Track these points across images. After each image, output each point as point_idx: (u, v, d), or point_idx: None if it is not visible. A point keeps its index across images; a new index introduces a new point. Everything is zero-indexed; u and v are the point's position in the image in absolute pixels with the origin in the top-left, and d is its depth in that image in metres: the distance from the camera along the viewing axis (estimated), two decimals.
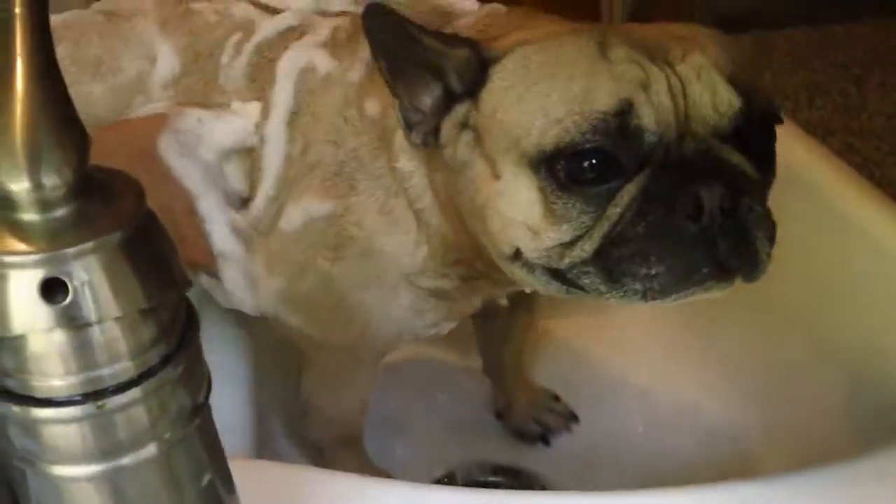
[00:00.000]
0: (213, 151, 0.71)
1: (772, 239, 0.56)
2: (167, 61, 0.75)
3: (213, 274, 0.74)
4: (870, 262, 0.83)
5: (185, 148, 0.70)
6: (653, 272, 0.53)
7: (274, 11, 0.77)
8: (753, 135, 0.56)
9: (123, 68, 0.76)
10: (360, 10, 0.75)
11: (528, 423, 1.02)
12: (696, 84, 0.54)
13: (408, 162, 0.66)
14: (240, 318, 0.91)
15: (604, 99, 0.53)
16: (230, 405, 0.83)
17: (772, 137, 0.58)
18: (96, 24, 0.78)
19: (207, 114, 0.71)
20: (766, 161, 0.58)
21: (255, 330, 0.92)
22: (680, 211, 0.52)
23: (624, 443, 1.00)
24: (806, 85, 1.52)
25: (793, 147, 0.96)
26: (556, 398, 1.03)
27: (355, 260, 0.70)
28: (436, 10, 0.71)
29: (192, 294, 0.98)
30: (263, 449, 0.86)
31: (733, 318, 0.99)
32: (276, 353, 0.88)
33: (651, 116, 0.53)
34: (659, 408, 1.02)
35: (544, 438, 1.01)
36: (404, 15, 0.57)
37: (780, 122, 0.58)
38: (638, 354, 1.08)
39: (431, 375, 1.08)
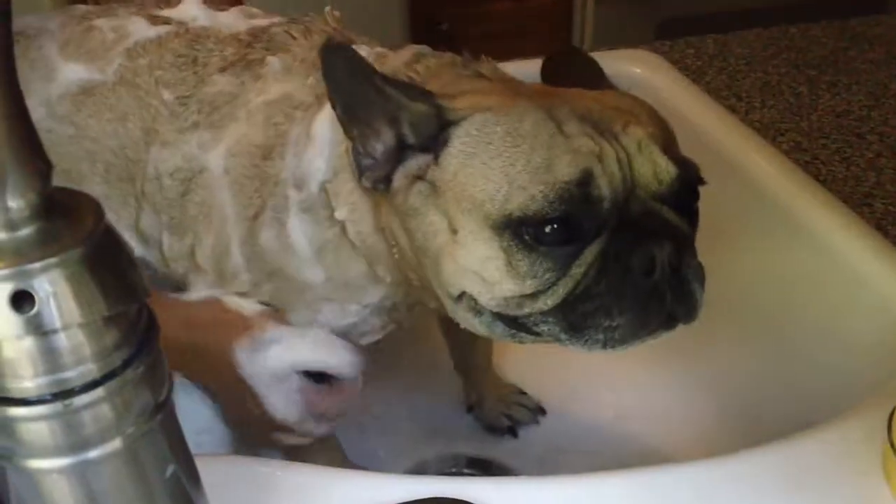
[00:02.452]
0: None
1: (703, 286, 0.61)
2: (67, 77, 0.76)
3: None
4: (814, 258, 0.87)
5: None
6: (615, 324, 0.58)
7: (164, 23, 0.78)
8: (684, 196, 0.61)
9: (30, 91, 0.76)
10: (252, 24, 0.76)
11: (498, 417, 1.05)
12: (638, 156, 0.59)
13: (350, 213, 0.67)
14: None
15: (566, 170, 0.57)
16: (208, 404, 0.86)
17: (697, 197, 0.63)
18: None
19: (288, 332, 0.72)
20: (693, 217, 0.63)
21: None
22: (637, 268, 0.57)
23: (591, 432, 1.03)
24: (760, 86, 1.56)
25: (744, 148, 1.00)
26: (522, 392, 1.07)
27: (287, 286, 0.72)
28: None
29: None
30: (241, 446, 0.89)
31: None
32: None
33: (607, 185, 0.58)
34: (624, 398, 1.06)
35: (512, 431, 1.05)
36: (365, 58, 0.59)
37: (704, 183, 0.63)
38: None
39: (404, 373, 1.11)
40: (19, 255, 0.34)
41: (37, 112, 0.76)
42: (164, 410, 0.41)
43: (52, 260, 0.34)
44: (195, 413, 0.83)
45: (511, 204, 0.57)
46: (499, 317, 0.61)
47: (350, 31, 0.77)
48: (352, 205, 0.67)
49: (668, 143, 0.61)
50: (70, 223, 0.36)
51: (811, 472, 0.63)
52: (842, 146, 1.41)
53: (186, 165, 0.73)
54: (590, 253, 0.58)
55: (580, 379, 1.09)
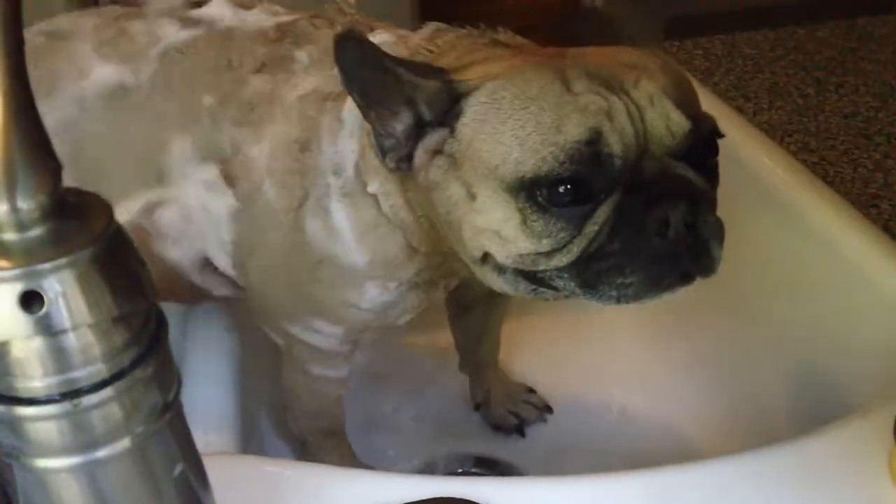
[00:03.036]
0: None
1: (721, 242, 0.61)
2: (102, 77, 0.77)
3: None
4: (821, 260, 0.87)
5: None
6: (628, 281, 0.59)
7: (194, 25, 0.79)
8: (700, 151, 0.61)
9: (63, 89, 0.77)
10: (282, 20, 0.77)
11: (505, 416, 1.05)
12: (651, 110, 0.59)
13: (380, 186, 0.69)
14: (226, 321, 0.95)
15: (575, 129, 0.58)
16: (217, 404, 0.85)
17: (715, 151, 0.63)
18: (37, 46, 0.80)
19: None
20: (712, 172, 0.63)
21: (241, 331, 0.96)
22: (650, 228, 0.58)
23: (598, 431, 1.04)
24: (767, 87, 1.56)
25: (751, 149, 1.00)
26: (531, 391, 1.08)
27: (333, 272, 0.74)
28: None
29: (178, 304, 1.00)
30: (250, 446, 0.89)
31: (701, 314, 1.03)
32: (262, 353, 0.91)
33: (618, 143, 0.58)
34: (631, 398, 1.06)
35: (520, 429, 1.05)
36: (375, 44, 0.60)
37: (721, 136, 0.63)
38: (610, 348, 1.12)
39: (412, 374, 1.12)
40: (29, 255, 0.34)
41: (69, 110, 0.77)
42: (172, 410, 0.41)
43: (62, 260, 0.35)
44: (204, 413, 0.83)
45: (524, 166, 0.58)
46: (519, 273, 0.63)
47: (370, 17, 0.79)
48: (382, 178, 0.68)
49: (682, 98, 0.61)
50: (80, 224, 0.36)
51: (818, 473, 0.63)
52: (849, 147, 1.41)
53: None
54: (603, 212, 0.58)
55: (588, 378, 1.09)
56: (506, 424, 1.06)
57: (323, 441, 0.92)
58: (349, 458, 0.94)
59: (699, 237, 0.59)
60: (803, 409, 0.83)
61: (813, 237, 0.88)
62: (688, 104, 0.61)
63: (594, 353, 1.12)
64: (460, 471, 1.02)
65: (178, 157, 0.76)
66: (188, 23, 0.79)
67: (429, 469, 1.02)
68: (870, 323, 0.81)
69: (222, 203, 0.75)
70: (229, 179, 0.75)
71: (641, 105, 0.59)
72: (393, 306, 0.78)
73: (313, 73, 0.73)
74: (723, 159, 0.98)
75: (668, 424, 1.01)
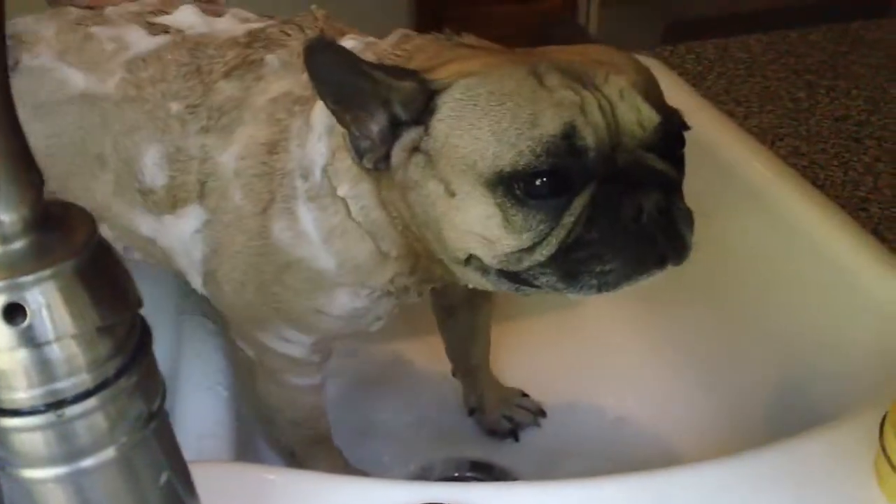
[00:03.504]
0: None
1: (692, 228, 0.63)
2: (69, 83, 0.77)
3: None
4: (811, 263, 0.87)
5: None
6: (607, 268, 0.60)
7: (163, 31, 0.79)
8: (669, 143, 0.63)
9: (32, 99, 0.78)
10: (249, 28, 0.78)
11: (499, 420, 1.06)
12: (622, 104, 0.61)
13: (351, 189, 0.69)
14: (220, 328, 0.95)
15: (550, 123, 0.59)
16: (210, 412, 0.86)
17: (682, 143, 0.65)
18: None
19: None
20: (679, 163, 0.65)
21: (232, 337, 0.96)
22: (626, 216, 0.59)
23: (592, 435, 1.04)
24: (759, 91, 1.56)
25: (742, 153, 1.01)
26: (524, 395, 1.08)
27: (301, 277, 0.74)
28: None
29: (171, 308, 1.01)
30: (244, 453, 0.89)
31: (693, 318, 1.04)
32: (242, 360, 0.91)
33: (591, 136, 0.59)
34: (625, 401, 1.06)
35: (514, 434, 1.05)
36: (347, 48, 0.61)
37: (688, 128, 0.65)
38: (603, 353, 1.12)
39: (406, 379, 1.12)
40: (12, 267, 0.35)
41: (41, 120, 0.77)
42: (157, 419, 0.41)
43: (45, 272, 0.35)
44: (198, 417, 0.84)
45: (501, 161, 0.59)
46: (503, 274, 0.64)
47: (338, 22, 0.79)
48: (351, 180, 0.69)
49: (650, 92, 0.63)
50: (63, 235, 0.36)
51: (806, 475, 0.63)
52: (840, 151, 1.41)
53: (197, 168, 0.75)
54: (579, 202, 0.60)
55: (581, 382, 1.09)
56: (500, 429, 1.06)
57: (310, 450, 0.92)
58: (340, 464, 0.94)
59: (672, 223, 0.61)
60: (794, 412, 0.83)
61: (802, 241, 0.89)
62: (655, 98, 0.63)
63: (587, 357, 1.12)
64: (455, 476, 1.03)
65: (150, 168, 0.76)
66: (155, 29, 0.79)
67: (424, 474, 1.02)
68: (858, 326, 0.82)
69: (193, 219, 0.75)
70: (199, 190, 0.74)
71: (612, 99, 0.60)
72: (364, 313, 0.78)
73: (283, 76, 0.73)
74: (713, 163, 0.99)
75: (661, 428, 1.01)
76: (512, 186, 0.60)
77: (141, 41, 0.78)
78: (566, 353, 1.13)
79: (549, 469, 1.01)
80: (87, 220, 0.37)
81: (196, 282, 0.80)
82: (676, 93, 1.17)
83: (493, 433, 1.06)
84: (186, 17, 0.80)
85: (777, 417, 0.86)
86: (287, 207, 0.71)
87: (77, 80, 0.78)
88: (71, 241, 0.36)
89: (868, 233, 0.88)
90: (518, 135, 0.59)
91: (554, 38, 0.72)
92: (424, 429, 1.08)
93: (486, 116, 0.60)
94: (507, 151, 0.59)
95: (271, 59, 0.74)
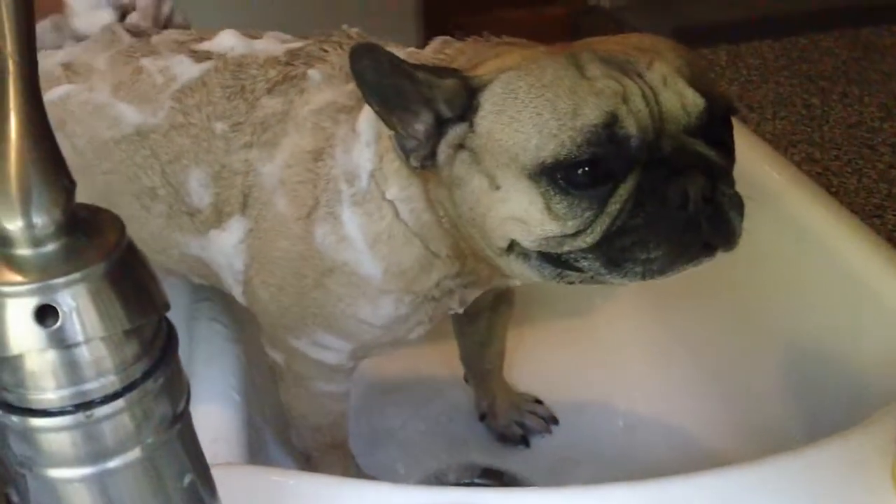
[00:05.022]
0: None
1: (742, 214, 0.63)
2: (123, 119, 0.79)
3: None
4: (825, 270, 0.87)
5: None
6: (652, 256, 0.60)
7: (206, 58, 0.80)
8: (716, 128, 0.63)
9: (85, 132, 0.79)
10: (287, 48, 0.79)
11: (510, 426, 1.06)
12: (665, 90, 0.61)
13: (401, 191, 0.70)
14: (232, 332, 0.96)
15: (591, 113, 0.59)
16: (223, 415, 0.86)
17: (730, 128, 0.65)
18: (56, 78, 0.81)
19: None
20: (727, 148, 0.64)
21: (247, 342, 0.96)
22: (671, 203, 0.60)
23: (602, 442, 1.04)
24: (772, 97, 1.56)
25: (755, 159, 1.01)
26: (538, 401, 1.08)
27: (344, 281, 0.75)
28: None
29: (186, 314, 1.02)
30: (256, 457, 0.89)
31: (705, 325, 1.04)
32: (266, 365, 0.91)
33: (633, 124, 0.60)
34: (636, 408, 1.07)
35: (525, 440, 1.05)
36: (389, 51, 0.62)
37: (736, 113, 0.65)
38: (615, 360, 1.12)
39: (418, 386, 1.12)
40: (44, 270, 0.35)
41: (98, 156, 0.79)
42: (182, 420, 0.42)
43: (76, 275, 0.35)
44: (210, 422, 0.84)
45: (543, 152, 0.60)
46: (544, 257, 0.64)
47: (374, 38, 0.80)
48: (401, 183, 0.70)
49: (695, 77, 0.63)
50: (93, 239, 0.37)
51: (822, 484, 0.63)
52: (853, 157, 1.41)
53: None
54: (624, 190, 0.60)
55: (593, 388, 1.09)
56: (511, 434, 1.06)
57: (327, 455, 0.92)
58: (353, 470, 0.94)
59: (719, 209, 0.61)
60: (808, 420, 0.83)
61: (816, 248, 0.89)
62: (701, 83, 0.62)
63: (599, 364, 1.12)
64: (465, 482, 1.03)
65: (196, 190, 0.77)
66: (199, 56, 0.80)
67: (435, 480, 1.02)
68: (874, 333, 0.82)
69: (237, 230, 0.77)
70: (242, 202, 0.76)
71: (655, 86, 0.61)
72: (405, 319, 0.78)
73: (325, 88, 0.75)
74: None
75: (673, 436, 1.01)
76: (555, 177, 0.60)
77: (187, 70, 0.79)
78: (578, 359, 1.13)
79: (561, 475, 1.01)
80: (116, 224, 0.38)
81: (237, 291, 0.81)
82: None
83: (504, 438, 1.07)
84: (227, 41, 0.81)
85: (791, 425, 0.85)
86: (331, 212, 0.72)
87: (130, 116, 0.79)
88: (101, 244, 0.37)
89: (883, 239, 0.88)
90: (559, 125, 0.60)
91: (583, 27, 0.73)
92: (436, 435, 1.08)
93: (526, 109, 0.61)
94: (548, 142, 0.60)
95: (313, 73, 0.76)
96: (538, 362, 1.13)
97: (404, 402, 1.11)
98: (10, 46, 0.35)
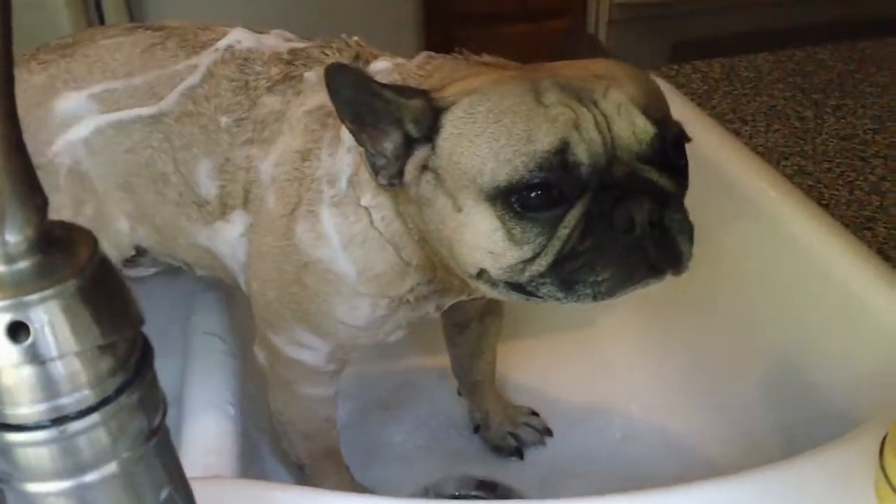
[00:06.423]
0: None
1: (691, 239, 0.64)
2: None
3: None
4: (815, 284, 0.88)
5: None
6: (600, 278, 0.62)
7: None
8: (669, 154, 0.64)
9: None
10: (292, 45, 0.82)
11: (504, 437, 1.06)
12: (618, 118, 0.63)
13: (373, 199, 0.72)
14: (228, 344, 0.96)
15: (545, 139, 0.61)
16: (217, 428, 0.86)
17: (683, 155, 0.66)
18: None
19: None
20: (681, 175, 0.66)
21: (242, 355, 0.97)
22: (617, 227, 0.61)
23: (596, 455, 1.04)
24: (765, 110, 1.57)
25: (747, 172, 1.01)
26: (534, 413, 1.08)
27: (319, 277, 0.77)
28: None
29: (180, 326, 1.02)
30: (251, 469, 0.89)
31: (698, 338, 1.04)
32: (262, 377, 0.92)
33: (584, 151, 0.61)
34: (630, 421, 1.07)
35: (519, 452, 1.06)
36: (363, 70, 0.64)
37: (689, 140, 0.67)
38: (609, 371, 1.13)
39: (410, 400, 1.13)
40: (16, 287, 0.35)
41: (120, 132, 0.82)
42: (158, 435, 0.42)
43: (48, 292, 0.36)
44: (203, 434, 0.84)
45: (499, 176, 0.62)
46: (510, 286, 0.66)
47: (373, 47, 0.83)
48: (373, 191, 0.72)
49: (650, 105, 0.64)
50: (66, 256, 0.37)
51: (807, 495, 0.64)
52: (846, 170, 1.41)
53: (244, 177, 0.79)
54: (573, 215, 0.62)
55: (587, 399, 1.10)
56: (505, 446, 1.06)
57: (320, 464, 0.93)
58: (347, 481, 0.95)
59: (667, 233, 0.62)
60: (797, 432, 0.83)
61: (807, 261, 0.89)
62: (655, 111, 0.64)
63: (593, 375, 1.13)
64: (457, 494, 1.03)
65: (204, 180, 0.80)
66: (209, 49, 0.83)
67: (431, 493, 1.02)
68: (862, 346, 0.82)
69: (239, 224, 0.80)
70: (244, 197, 0.78)
71: (609, 114, 0.63)
72: (383, 322, 0.79)
73: (319, 91, 0.77)
74: (718, 181, 1.00)
75: (668, 448, 1.01)
76: (509, 200, 0.62)
77: (199, 63, 0.82)
78: (573, 371, 1.13)
79: (555, 488, 1.01)
80: (89, 240, 0.38)
81: (242, 282, 0.84)
82: (682, 111, 1.17)
83: (498, 450, 1.07)
84: (235, 35, 0.84)
85: (782, 436, 0.86)
86: (312, 210, 0.75)
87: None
88: (73, 261, 0.37)
89: (873, 252, 0.88)
90: (514, 151, 0.62)
91: (563, 48, 0.74)
92: (431, 448, 1.08)
93: (484, 133, 0.63)
94: (503, 167, 0.62)
95: (310, 75, 0.78)
96: (533, 374, 1.14)
97: (399, 416, 1.11)
98: None
